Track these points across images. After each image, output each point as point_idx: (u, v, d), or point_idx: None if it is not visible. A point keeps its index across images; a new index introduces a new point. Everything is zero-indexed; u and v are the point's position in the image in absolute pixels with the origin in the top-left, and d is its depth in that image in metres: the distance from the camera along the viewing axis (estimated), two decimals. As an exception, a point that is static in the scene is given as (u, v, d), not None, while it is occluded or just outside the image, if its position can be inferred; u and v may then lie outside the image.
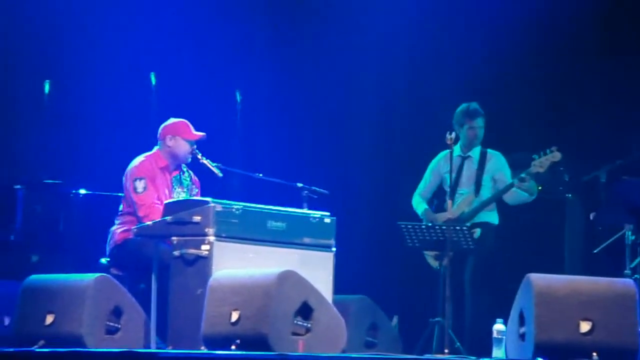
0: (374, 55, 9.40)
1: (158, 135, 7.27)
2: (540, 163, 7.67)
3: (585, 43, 8.87)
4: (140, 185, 7.06)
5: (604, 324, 5.83)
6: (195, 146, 7.24)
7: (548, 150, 7.67)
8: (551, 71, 8.97)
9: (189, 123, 7.27)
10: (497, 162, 7.97)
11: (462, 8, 9.12)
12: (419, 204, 8.07)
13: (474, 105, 7.97)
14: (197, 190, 7.36)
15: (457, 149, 7.92)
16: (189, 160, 7.26)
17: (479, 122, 7.93)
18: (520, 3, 8.77)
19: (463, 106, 7.98)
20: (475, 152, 8.00)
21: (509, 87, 9.02)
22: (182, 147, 7.21)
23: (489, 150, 8.01)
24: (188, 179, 7.35)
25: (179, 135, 7.22)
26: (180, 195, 7.22)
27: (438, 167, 8.05)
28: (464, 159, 7.99)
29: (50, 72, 8.89)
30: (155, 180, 7.15)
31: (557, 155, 7.67)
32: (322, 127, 9.36)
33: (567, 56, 8.90)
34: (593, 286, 5.95)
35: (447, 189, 7.90)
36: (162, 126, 7.28)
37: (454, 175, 7.77)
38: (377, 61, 9.40)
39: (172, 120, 7.29)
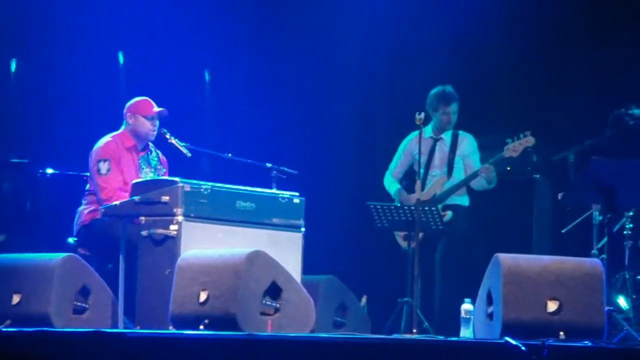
0: (346, 34, 9.38)
1: (123, 115, 7.24)
2: (514, 147, 7.68)
3: (556, 24, 8.89)
4: (104, 167, 7.02)
5: (571, 303, 5.87)
6: (157, 122, 7.20)
7: (522, 135, 7.69)
8: (522, 53, 8.99)
9: (150, 100, 7.23)
10: (468, 146, 7.98)
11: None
12: (391, 184, 8.07)
13: (449, 89, 7.93)
14: (164, 170, 7.33)
15: (428, 130, 7.92)
16: (153, 137, 7.22)
17: (453, 108, 7.92)
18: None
19: (437, 90, 7.94)
20: (447, 134, 8.00)
21: (480, 68, 9.03)
22: (143, 125, 7.18)
23: (461, 133, 8.01)
24: (156, 158, 7.32)
25: (139, 113, 7.19)
26: (147, 175, 7.18)
27: (410, 147, 8.04)
28: (435, 140, 7.99)
29: (17, 51, 8.80)
30: (122, 161, 7.11)
31: (530, 140, 7.69)
32: (292, 106, 9.34)
33: (539, 38, 8.92)
34: (560, 266, 5.98)
35: (418, 170, 7.91)
36: (125, 106, 7.25)
37: (425, 157, 7.77)
38: (349, 40, 9.38)
39: (134, 99, 7.26)
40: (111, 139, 7.18)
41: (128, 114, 7.23)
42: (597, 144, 7.59)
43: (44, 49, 9.11)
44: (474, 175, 7.79)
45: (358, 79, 9.41)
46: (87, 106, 8.95)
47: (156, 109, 7.20)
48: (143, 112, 7.19)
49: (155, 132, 7.20)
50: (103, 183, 7.01)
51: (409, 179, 8.10)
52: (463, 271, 7.70)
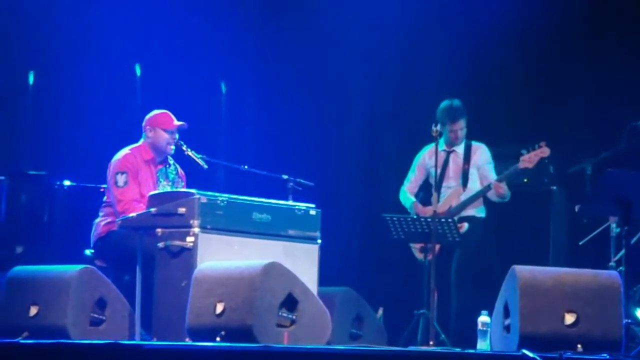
0: (361, 48, 9.39)
1: (142, 128, 7.27)
2: (529, 158, 7.66)
3: (571, 36, 8.88)
4: (121, 179, 7.04)
5: (589, 315, 5.84)
6: (177, 136, 7.22)
7: (536, 145, 7.67)
8: (537, 63, 8.98)
9: (169, 113, 7.25)
10: (482, 156, 7.97)
11: (450, 2, 9.12)
12: (406, 198, 8.06)
13: (456, 103, 7.89)
14: (182, 183, 7.34)
15: (441, 143, 7.91)
16: (172, 151, 7.24)
17: (460, 124, 7.88)
18: (509, 4, 8.78)
19: (445, 104, 7.92)
20: (460, 145, 7.99)
21: (495, 79, 9.03)
22: (162, 138, 7.20)
23: (474, 142, 8.00)
24: (174, 172, 7.33)
25: (159, 126, 7.20)
26: (165, 188, 7.19)
27: (423, 161, 8.04)
28: (449, 153, 7.99)
29: (35, 63, 8.85)
30: (140, 174, 7.13)
31: (545, 151, 7.67)
32: (308, 118, 9.35)
33: (554, 48, 8.91)
34: (578, 278, 5.96)
35: (433, 183, 7.90)
36: (144, 119, 7.27)
37: (439, 169, 7.77)
38: (364, 54, 9.40)
39: (153, 112, 7.28)
40: (130, 151, 7.20)
41: (147, 127, 7.24)
42: (613, 156, 7.56)
43: (61, 61, 9.15)
44: (487, 188, 7.78)
45: (373, 90, 9.42)
46: (104, 118, 8.99)
47: (176, 122, 7.22)
48: (163, 126, 7.20)
49: (173, 146, 7.21)
50: (120, 195, 7.03)
51: (425, 192, 8.10)
52: (480, 283, 7.69)
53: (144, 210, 6.68)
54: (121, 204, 7.00)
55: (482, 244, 7.81)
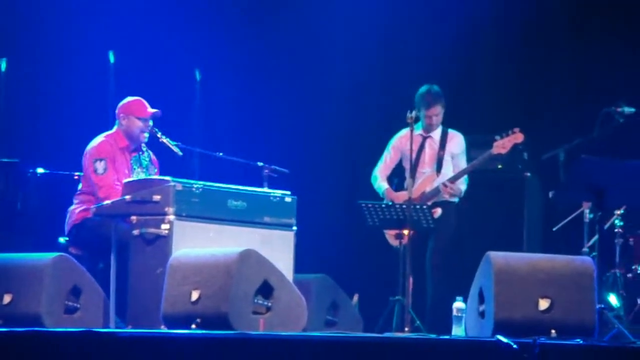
0: (337, 33, 9.38)
1: (115, 115, 7.23)
2: (503, 144, 7.69)
3: (546, 22, 8.91)
4: (100, 166, 7.01)
5: (562, 301, 5.88)
6: (151, 123, 7.18)
7: (510, 131, 7.70)
8: (511, 51, 9.00)
9: (143, 101, 7.21)
10: (457, 145, 7.97)
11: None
12: (379, 184, 8.06)
13: (434, 89, 7.89)
14: (155, 170, 7.32)
15: (418, 127, 7.90)
16: (146, 138, 7.20)
17: (435, 110, 7.87)
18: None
19: (423, 89, 7.92)
20: (437, 131, 8.00)
21: (470, 66, 9.05)
22: (136, 126, 7.16)
23: (450, 130, 8.01)
24: (147, 158, 7.31)
25: (132, 114, 7.16)
26: (139, 175, 7.17)
27: (399, 143, 8.02)
28: (425, 138, 7.99)
29: (7, 50, 8.77)
30: (115, 161, 7.10)
31: (519, 136, 7.70)
32: (282, 105, 9.33)
33: (531, 36, 8.94)
34: (552, 264, 6.00)
35: (408, 167, 7.91)
36: (118, 106, 7.23)
37: (414, 154, 7.77)
38: (339, 38, 9.38)
39: (127, 99, 7.24)
40: (105, 138, 7.16)
41: (121, 114, 7.20)
42: (586, 142, 7.60)
43: (33, 48, 9.09)
44: (437, 191, 7.76)
45: (348, 77, 9.41)
46: (77, 105, 8.93)
47: (150, 110, 7.18)
48: (136, 113, 7.17)
49: (147, 134, 7.17)
50: (100, 182, 7.00)
51: (399, 177, 8.10)
52: (454, 269, 7.71)
53: (119, 198, 6.65)
54: (103, 189, 6.97)
55: (456, 230, 7.83)
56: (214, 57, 9.32)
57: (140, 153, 7.27)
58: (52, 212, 7.53)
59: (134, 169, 7.20)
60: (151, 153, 7.33)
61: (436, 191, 7.81)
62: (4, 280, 6.53)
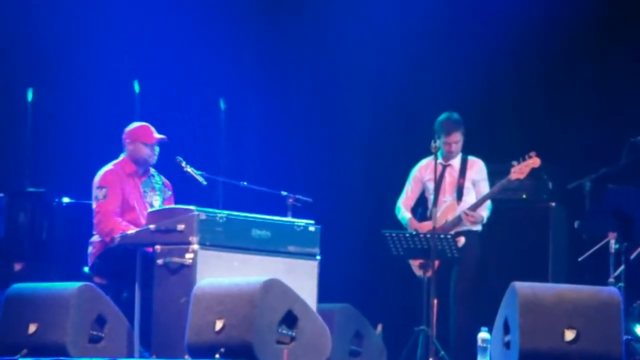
0: (360, 63, 9.40)
1: (122, 141, 7.25)
2: (520, 169, 7.67)
3: (572, 50, 8.89)
4: (100, 193, 7.05)
5: (589, 332, 5.84)
6: (157, 149, 7.20)
7: (526, 156, 7.67)
8: (537, 79, 8.99)
9: (149, 126, 7.22)
10: (478, 172, 7.94)
11: (451, 14, 9.14)
12: (402, 214, 8.04)
13: (454, 117, 7.87)
14: (170, 192, 7.32)
15: (438, 156, 7.88)
16: (154, 161, 7.21)
17: (454, 137, 7.84)
18: (511, 8, 8.79)
19: (442, 117, 7.90)
20: (457, 159, 7.98)
21: (496, 94, 9.04)
22: (142, 151, 7.18)
23: (470, 157, 7.99)
24: (160, 182, 7.32)
25: (138, 139, 7.18)
26: (153, 198, 7.18)
27: (419, 174, 8.01)
28: (445, 166, 7.97)
29: (33, 80, 8.85)
30: (123, 187, 7.10)
31: (536, 161, 7.67)
32: (306, 135, 9.35)
33: (553, 64, 8.92)
34: (578, 294, 5.96)
35: (430, 196, 7.90)
36: (124, 131, 7.25)
37: (435, 183, 7.76)
38: (362, 68, 9.40)
39: (133, 124, 7.26)
40: (112, 167, 7.18)
41: (127, 140, 7.22)
42: (613, 172, 7.57)
43: (60, 78, 9.15)
44: (458, 219, 7.73)
45: (371, 106, 9.42)
46: (103, 135, 8.97)
47: (156, 135, 7.20)
48: (142, 139, 7.18)
49: (154, 158, 7.19)
50: (97, 208, 7.04)
51: (423, 207, 8.08)
52: (479, 299, 7.67)
53: (143, 227, 6.67)
54: (97, 215, 7.01)
55: (481, 259, 7.79)
56: (238, 86, 9.37)
57: (151, 177, 7.28)
58: (77, 241, 7.55)
59: (146, 192, 7.20)
60: (162, 177, 7.34)
61: (458, 220, 7.78)
62: (30, 309, 6.55)
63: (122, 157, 7.23)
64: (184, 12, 9.40)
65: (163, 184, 7.32)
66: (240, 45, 9.48)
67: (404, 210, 8.03)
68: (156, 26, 9.32)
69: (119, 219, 6.94)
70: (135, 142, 7.16)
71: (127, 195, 7.08)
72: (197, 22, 9.38)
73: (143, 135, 7.16)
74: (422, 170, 7.93)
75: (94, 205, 7.06)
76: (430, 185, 7.78)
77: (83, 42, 9.21)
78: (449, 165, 7.95)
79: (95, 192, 7.07)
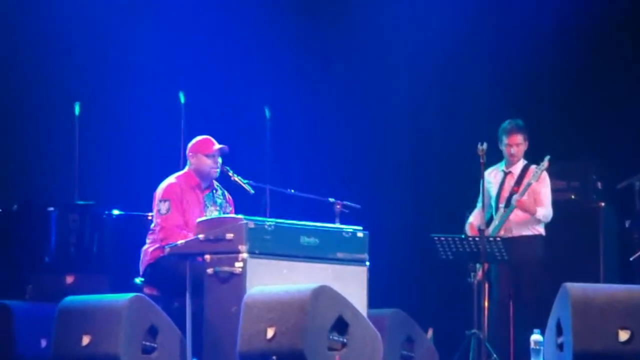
0: (405, 68, 9.40)
1: (186, 155, 7.32)
2: (534, 175, 7.67)
3: (618, 50, 8.82)
4: (164, 207, 7.09)
5: (643, 332, 5.78)
6: (219, 159, 7.24)
7: (540, 161, 7.68)
8: (585, 78, 8.93)
9: (210, 138, 7.28)
10: (533, 174, 7.88)
11: (498, 13, 9.11)
12: (468, 219, 8.03)
13: (516, 121, 7.88)
14: (230, 208, 7.36)
15: (502, 163, 7.92)
16: (217, 174, 7.26)
17: (515, 139, 7.84)
18: (555, 15, 8.75)
19: (505, 123, 7.93)
20: (518, 165, 7.95)
21: (543, 94, 8.99)
22: (204, 163, 7.23)
23: (533, 165, 7.93)
24: (222, 197, 7.35)
25: (199, 152, 7.24)
26: (212, 213, 7.21)
27: (485, 181, 8.00)
28: (506, 174, 7.96)
29: (80, 94, 8.94)
30: (186, 201, 7.15)
31: (546, 164, 7.67)
32: (353, 141, 9.36)
33: (602, 62, 8.86)
34: (630, 294, 5.91)
35: (492, 203, 7.91)
36: (188, 146, 7.32)
37: (496, 190, 7.78)
38: (408, 74, 9.41)
39: (195, 139, 7.32)
40: (175, 180, 7.23)
41: (190, 153, 7.30)
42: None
43: (106, 91, 9.24)
44: (511, 209, 7.71)
45: (418, 111, 9.41)
46: (149, 146, 9.05)
47: (217, 146, 7.24)
48: (203, 151, 7.24)
49: (217, 169, 7.24)
50: (162, 222, 7.08)
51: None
52: (531, 301, 7.62)
53: (191, 238, 6.70)
54: (163, 230, 7.04)
55: (543, 264, 7.74)
56: (283, 94, 9.40)
57: (214, 191, 7.32)
58: (127, 253, 7.61)
59: (207, 207, 7.25)
60: (226, 192, 7.38)
61: (501, 225, 7.71)
62: (82, 321, 6.61)
63: (185, 169, 7.28)
64: (227, 22, 9.46)
65: (225, 199, 7.35)
66: (284, 52, 9.51)
67: (469, 216, 8.01)
68: (200, 37, 9.38)
69: (184, 231, 6.97)
70: (197, 155, 7.23)
71: (188, 209, 7.13)
72: (240, 32, 9.42)
73: (203, 147, 7.23)
74: (487, 177, 7.90)
75: (156, 219, 7.10)
76: (491, 190, 7.77)
77: (129, 55, 9.29)
78: (510, 172, 7.93)
79: (158, 205, 7.11)
